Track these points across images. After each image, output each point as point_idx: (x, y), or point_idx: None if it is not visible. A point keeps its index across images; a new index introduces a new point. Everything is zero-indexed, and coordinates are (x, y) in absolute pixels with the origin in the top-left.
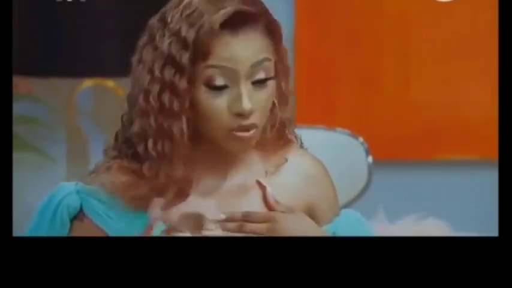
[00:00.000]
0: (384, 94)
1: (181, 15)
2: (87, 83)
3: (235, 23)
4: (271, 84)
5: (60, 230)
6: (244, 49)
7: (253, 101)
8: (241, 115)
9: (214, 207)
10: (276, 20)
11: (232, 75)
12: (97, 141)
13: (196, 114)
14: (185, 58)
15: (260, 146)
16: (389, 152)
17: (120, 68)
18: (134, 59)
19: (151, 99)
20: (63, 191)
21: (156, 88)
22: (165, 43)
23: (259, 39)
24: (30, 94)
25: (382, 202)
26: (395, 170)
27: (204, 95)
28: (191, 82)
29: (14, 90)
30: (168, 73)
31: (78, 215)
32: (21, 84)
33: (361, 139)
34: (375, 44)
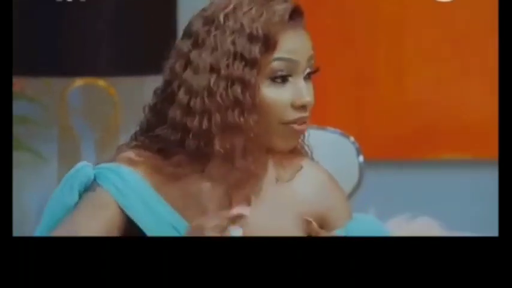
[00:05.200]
0: (376, 93)
1: (235, 12)
2: (79, 82)
3: (293, 17)
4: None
5: (69, 197)
6: (303, 42)
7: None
8: (304, 107)
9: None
10: None
11: (295, 68)
12: (88, 141)
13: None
14: (255, 51)
15: (272, 152)
16: (382, 152)
17: (111, 68)
18: (176, 65)
19: (218, 97)
20: (78, 165)
21: (222, 85)
22: (226, 42)
23: (307, 34)
24: (23, 93)
25: (373, 202)
26: (388, 169)
27: (267, 88)
28: (258, 75)
29: None
30: (237, 68)
31: (91, 186)
32: (14, 84)
33: (352, 138)
34: (368, 43)
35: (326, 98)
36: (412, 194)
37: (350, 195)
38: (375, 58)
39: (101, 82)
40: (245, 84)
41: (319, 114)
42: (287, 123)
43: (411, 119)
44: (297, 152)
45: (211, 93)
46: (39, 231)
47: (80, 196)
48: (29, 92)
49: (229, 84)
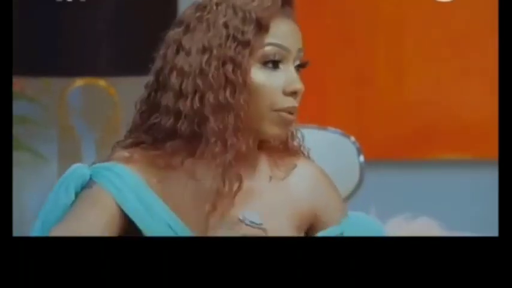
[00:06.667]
0: (376, 93)
1: None
2: (79, 82)
3: (284, 5)
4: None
5: (65, 198)
6: (295, 31)
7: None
8: (295, 94)
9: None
10: None
11: (286, 55)
12: (89, 141)
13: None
14: (247, 33)
15: (267, 151)
16: (382, 152)
17: (111, 68)
18: (167, 51)
19: (210, 76)
20: (72, 167)
21: (214, 65)
22: (219, 24)
23: (297, 26)
24: (23, 93)
25: (373, 202)
26: (388, 169)
27: (259, 72)
28: (250, 57)
29: None
30: (229, 49)
31: (87, 184)
32: (13, 84)
33: (352, 138)
34: (368, 43)
35: (326, 98)
36: (412, 194)
37: (350, 195)
38: (375, 58)
39: (101, 82)
40: (236, 64)
41: (320, 114)
42: (277, 110)
43: (411, 119)
44: (292, 151)
45: (203, 73)
46: (35, 231)
47: (76, 196)
48: (29, 92)
49: (220, 63)
